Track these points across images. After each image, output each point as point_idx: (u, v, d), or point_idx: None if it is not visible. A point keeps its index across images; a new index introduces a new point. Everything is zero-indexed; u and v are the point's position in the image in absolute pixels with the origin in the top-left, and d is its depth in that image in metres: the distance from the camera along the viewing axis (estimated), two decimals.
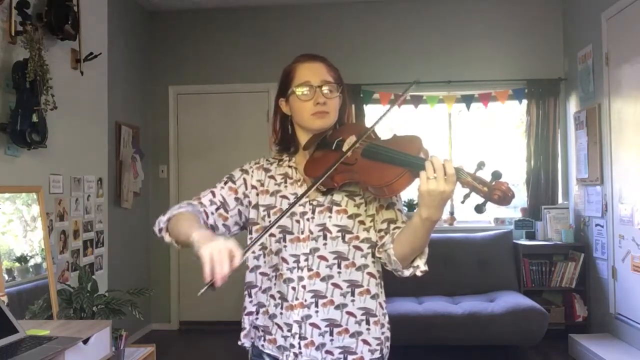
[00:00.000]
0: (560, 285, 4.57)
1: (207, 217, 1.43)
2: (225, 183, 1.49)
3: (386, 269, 1.40)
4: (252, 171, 1.51)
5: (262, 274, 1.45)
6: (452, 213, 5.06)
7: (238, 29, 5.25)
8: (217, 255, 1.11)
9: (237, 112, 5.24)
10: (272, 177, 1.49)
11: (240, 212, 1.47)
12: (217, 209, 1.44)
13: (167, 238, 1.39)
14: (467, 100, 4.93)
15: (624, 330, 3.89)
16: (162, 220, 1.40)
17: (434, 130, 5.19)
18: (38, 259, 2.66)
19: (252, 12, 5.22)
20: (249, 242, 1.48)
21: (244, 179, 1.49)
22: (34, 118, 2.62)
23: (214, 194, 1.46)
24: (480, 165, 1.15)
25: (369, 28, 5.14)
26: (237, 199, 1.47)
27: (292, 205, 1.31)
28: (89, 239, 3.38)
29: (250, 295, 1.47)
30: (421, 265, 1.32)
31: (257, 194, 1.48)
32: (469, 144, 5.17)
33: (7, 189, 2.56)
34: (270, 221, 1.43)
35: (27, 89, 2.59)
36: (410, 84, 1.41)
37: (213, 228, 1.43)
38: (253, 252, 1.47)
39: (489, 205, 1.14)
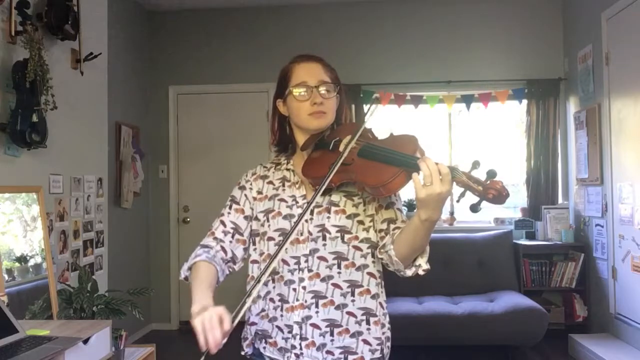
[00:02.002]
0: (560, 285, 4.57)
1: (225, 251, 1.43)
2: (230, 207, 1.49)
3: (387, 269, 1.40)
4: (250, 184, 1.52)
5: (264, 283, 1.45)
6: (452, 213, 5.06)
7: (238, 29, 5.25)
8: (207, 323, 1.13)
9: (237, 112, 5.24)
10: (270, 182, 1.50)
11: (251, 228, 1.48)
12: (233, 235, 1.45)
13: None
14: (467, 100, 4.93)
15: (624, 330, 3.89)
16: (184, 269, 1.42)
17: (434, 130, 5.19)
18: (38, 259, 2.65)
19: (252, 12, 5.22)
20: (251, 253, 1.48)
21: (245, 195, 1.50)
22: (34, 118, 2.62)
23: (224, 224, 1.47)
24: (475, 165, 1.15)
25: (369, 28, 5.14)
26: (246, 217, 1.48)
27: (292, 229, 1.32)
28: (89, 239, 3.38)
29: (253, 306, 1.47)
30: (423, 264, 1.32)
31: (258, 203, 1.49)
32: (469, 144, 5.17)
33: (7, 189, 2.56)
34: (269, 225, 1.43)
35: (27, 89, 2.58)
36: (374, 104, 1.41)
37: (233, 259, 1.44)
38: (256, 262, 1.47)
39: (485, 204, 1.13)
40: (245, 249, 1.47)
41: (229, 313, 1.16)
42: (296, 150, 1.52)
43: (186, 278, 1.41)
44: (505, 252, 4.55)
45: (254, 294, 1.29)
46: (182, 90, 5.31)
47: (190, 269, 1.40)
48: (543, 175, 4.86)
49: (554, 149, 4.86)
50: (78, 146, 3.26)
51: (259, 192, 1.49)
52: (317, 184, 1.38)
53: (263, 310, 1.44)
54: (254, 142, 4.97)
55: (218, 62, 5.24)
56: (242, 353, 1.49)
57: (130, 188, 4.62)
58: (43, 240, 2.69)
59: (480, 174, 1.13)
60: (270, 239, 1.43)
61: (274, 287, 1.42)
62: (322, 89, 1.44)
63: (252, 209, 1.49)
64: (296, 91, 1.44)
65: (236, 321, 1.18)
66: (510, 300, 3.97)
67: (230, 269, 1.44)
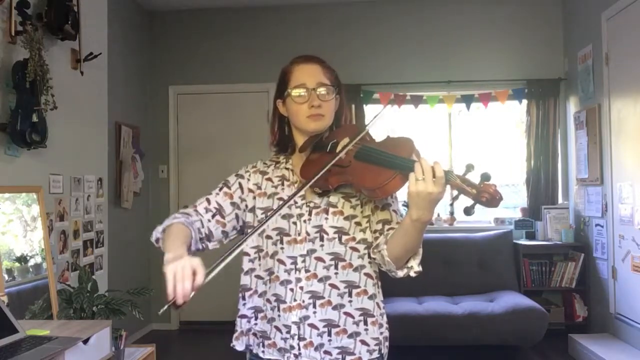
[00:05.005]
0: (560, 285, 4.57)
1: (202, 225, 1.43)
2: (221, 189, 1.50)
3: (382, 270, 1.40)
4: (249, 175, 1.51)
5: (257, 277, 1.45)
6: (452, 213, 5.06)
7: (238, 29, 5.25)
8: (179, 273, 1.11)
9: (237, 112, 5.24)
10: (269, 179, 1.50)
11: (237, 217, 1.47)
12: (214, 215, 1.45)
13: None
14: (467, 100, 4.93)
15: (624, 330, 3.89)
16: (158, 230, 1.41)
17: (434, 130, 5.19)
18: (38, 259, 2.65)
19: (252, 12, 5.22)
20: (243, 246, 1.48)
21: (240, 183, 1.50)
22: (34, 118, 2.62)
23: (209, 202, 1.47)
24: (470, 168, 1.15)
25: (369, 28, 5.14)
26: (233, 203, 1.47)
27: (275, 210, 1.32)
28: (89, 239, 3.38)
29: (244, 298, 1.47)
30: (415, 266, 1.32)
31: (254, 197, 1.48)
32: (469, 144, 5.17)
33: (7, 189, 2.56)
34: (267, 224, 1.43)
35: (27, 89, 2.59)
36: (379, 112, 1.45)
37: (208, 237, 1.43)
38: (247, 254, 1.47)
39: (479, 207, 1.14)
40: (224, 233, 1.46)
41: (203, 267, 1.14)
42: (295, 151, 1.52)
43: (157, 241, 1.40)
44: (505, 252, 4.55)
45: (235, 252, 1.22)
46: (182, 90, 5.31)
47: (164, 231, 1.38)
48: (543, 175, 4.86)
49: (554, 149, 4.86)
50: (78, 146, 3.26)
51: (258, 187, 1.49)
52: (314, 185, 1.38)
53: (261, 310, 1.44)
54: (254, 142, 4.97)
55: (218, 62, 5.24)
56: (231, 345, 1.49)
57: (130, 188, 4.62)
58: (43, 240, 2.69)
59: (474, 177, 1.14)
60: (268, 237, 1.43)
61: (269, 288, 1.42)
62: (321, 91, 1.44)
63: (242, 199, 1.48)
64: (295, 93, 1.45)
65: (209, 277, 1.14)
66: (510, 300, 3.97)
67: (204, 245, 1.43)
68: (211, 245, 1.45)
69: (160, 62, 5.30)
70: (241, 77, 5.20)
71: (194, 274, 1.12)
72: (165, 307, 1.12)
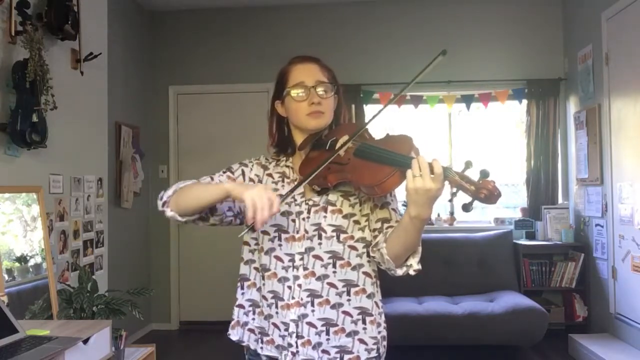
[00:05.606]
0: (560, 285, 4.57)
1: None
2: (224, 172, 1.50)
3: (381, 268, 1.40)
4: (252, 165, 1.52)
5: (256, 269, 1.46)
6: (452, 213, 5.06)
7: (238, 29, 5.25)
8: (259, 201, 1.20)
9: (237, 112, 5.24)
10: (269, 175, 1.51)
11: (234, 201, 1.46)
12: None
13: (169, 212, 1.39)
14: (467, 100, 4.94)
15: (624, 330, 3.89)
16: (167, 194, 1.40)
17: (434, 130, 5.19)
18: (38, 259, 2.66)
19: (253, 12, 5.22)
20: (244, 236, 1.47)
21: (242, 171, 1.51)
22: (34, 118, 2.62)
23: (212, 179, 1.47)
24: (468, 165, 1.15)
25: (369, 28, 5.14)
26: None
27: (307, 175, 1.34)
28: (89, 239, 3.38)
29: (242, 288, 1.48)
30: (414, 265, 1.32)
31: None
32: (469, 144, 5.17)
33: (7, 189, 2.56)
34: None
35: (27, 89, 2.59)
36: (436, 56, 1.41)
37: (211, 209, 1.42)
38: (248, 244, 1.48)
39: (478, 203, 1.14)
40: (223, 213, 1.44)
41: (277, 196, 1.23)
42: (295, 151, 1.52)
43: (164, 204, 1.39)
44: (505, 252, 4.55)
45: (303, 184, 1.36)
46: (182, 90, 5.31)
47: (174, 193, 1.39)
48: (543, 175, 4.86)
49: (554, 149, 4.86)
50: (78, 146, 3.26)
51: (258, 179, 1.50)
52: (313, 183, 1.38)
53: (257, 305, 1.44)
54: (254, 142, 4.93)
55: (218, 62, 5.24)
56: (227, 334, 1.49)
57: (130, 188, 4.62)
58: (43, 240, 2.69)
59: (473, 174, 1.14)
60: (266, 232, 1.43)
61: (263, 284, 1.42)
62: (320, 89, 1.45)
63: None
64: (294, 92, 1.45)
65: (283, 204, 1.32)
66: (510, 300, 3.97)
67: (207, 215, 1.41)
68: (212, 219, 1.43)
69: (160, 62, 5.30)
70: (241, 77, 5.20)
71: (271, 203, 1.20)
72: (245, 231, 1.32)
